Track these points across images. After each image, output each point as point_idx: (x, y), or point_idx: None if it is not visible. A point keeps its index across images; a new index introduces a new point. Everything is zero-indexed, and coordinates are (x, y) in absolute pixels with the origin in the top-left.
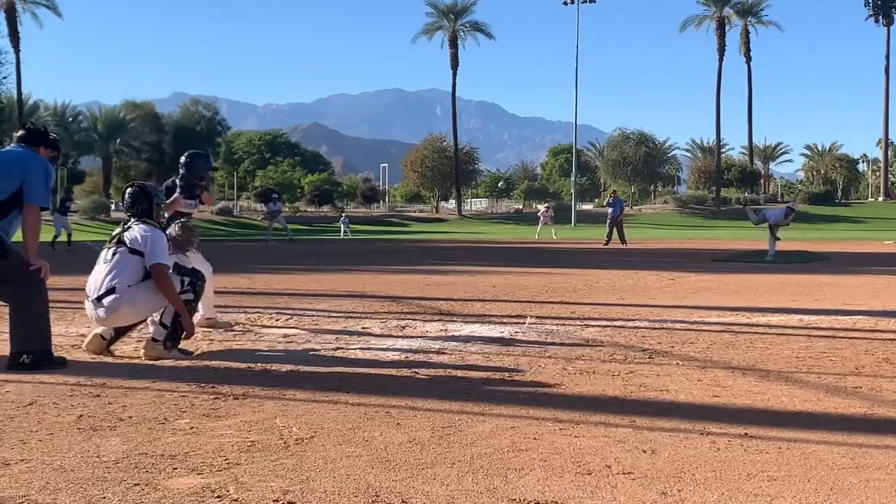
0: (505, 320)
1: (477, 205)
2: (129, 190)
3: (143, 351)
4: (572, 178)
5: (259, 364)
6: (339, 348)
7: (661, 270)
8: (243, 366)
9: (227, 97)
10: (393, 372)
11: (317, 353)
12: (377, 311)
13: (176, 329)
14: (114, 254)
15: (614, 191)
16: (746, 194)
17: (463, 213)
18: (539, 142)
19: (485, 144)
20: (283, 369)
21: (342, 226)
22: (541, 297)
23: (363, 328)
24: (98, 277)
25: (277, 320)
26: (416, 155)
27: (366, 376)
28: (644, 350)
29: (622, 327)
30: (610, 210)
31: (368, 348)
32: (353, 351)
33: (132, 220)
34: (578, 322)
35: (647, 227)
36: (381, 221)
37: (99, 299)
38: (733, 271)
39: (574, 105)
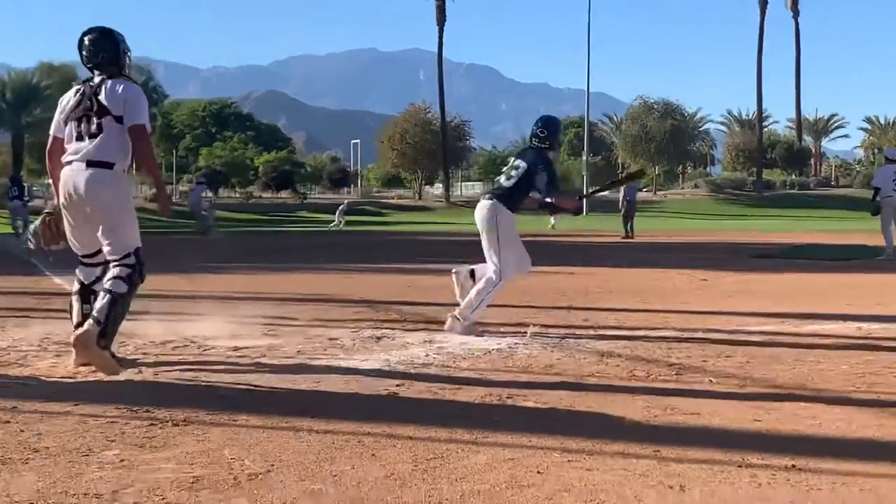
0: (503, 330)
1: (469, 190)
2: (87, 37)
3: (76, 336)
4: (584, 158)
5: (204, 382)
6: (301, 364)
7: (692, 269)
8: (184, 385)
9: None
10: (367, 392)
11: (274, 369)
12: (348, 319)
13: (111, 328)
14: (98, 124)
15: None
16: (794, 176)
17: (452, 201)
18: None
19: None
20: (234, 389)
21: (338, 215)
22: (546, 302)
23: (331, 339)
24: (79, 150)
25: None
26: (395, 129)
27: (334, 397)
28: (671, 365)
29: (644, 338)
30: (624, 193)
31: (338, 364)
32: (319, 367)
33: (96, 75)
34: (591, 331)
35: (674, 215)
36: (352, 210)
37: (91, 164)
38: (778, 270)
39: (586, 69)
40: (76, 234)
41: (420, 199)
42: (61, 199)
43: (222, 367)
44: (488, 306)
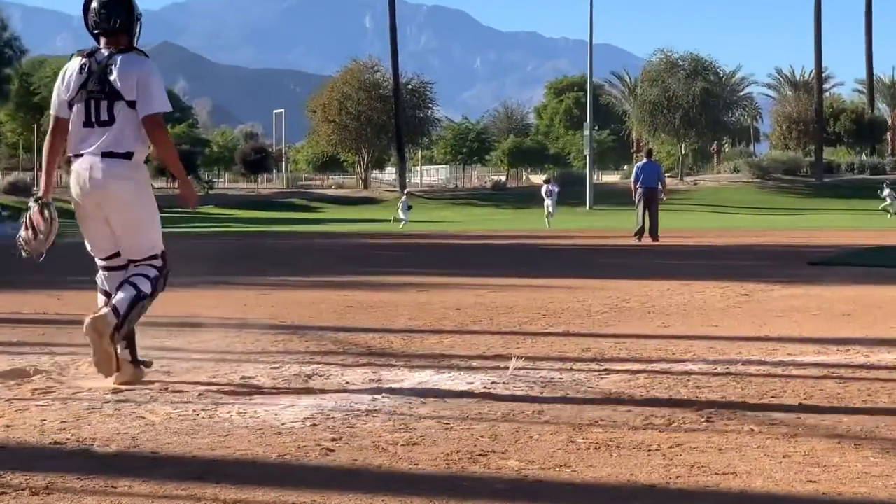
0: (475, 364)
1: (432, 175)
2: (95, 1)
3: (89, 322)
4: (586, 133)
5: (74, 437)
6: (203, 411)
7: (728, 280)
8: (47, 441)
9: (22, 2)
10: (292, 450)
11: (168, 419)
12: (266, 351)
13: (126, 325)
14: (109, 109)
15: (650, 149)
16: (864, 156)
17: (408, 190)
18: (532, 72)
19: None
20: (113, 447)
21: (401, 208)
22: (534, 326)
23: (243, 378)
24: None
25: None
26: (332, 94)
27: (247, 457)
28: (699, 409)
29: (665, 373)
30: (640, 179)
31: (253, 411)
32: (227, 416)
33: (103, 45)
34: (594, 365)
35: (706, 209)
36: (274, 203)
37: (106, 156)
38: (842, 281)
39: (588, 14)
40: (94, 236)
41: (366, 188)
42: (73, 196)
43: (98, 414)
44: (454, 334)
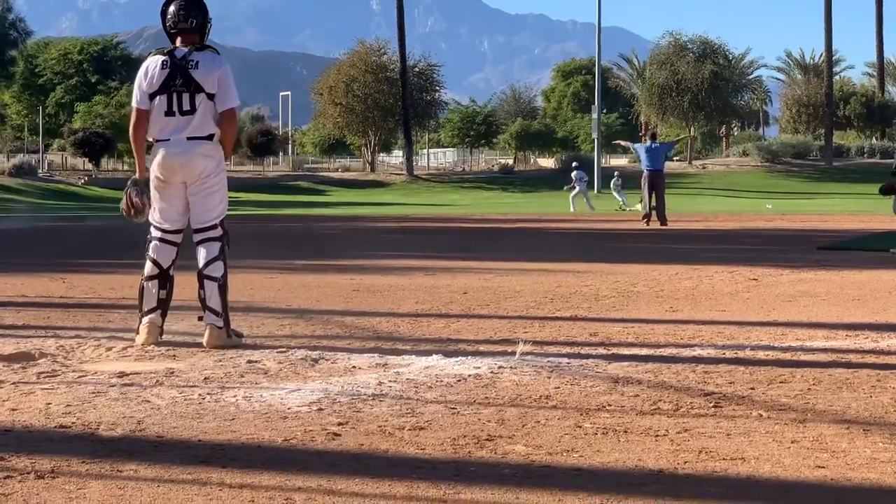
0: (482, 348)
1: (439, 158)
2: (176, 1)
3: (208, 340)
4: (594, 116)
5: (79, 421)
6: (209, 395)
7: (737, 265)
8: (53, 424)
9: None
10: (298, 434)
11: (174, 402)
12: (273, 335)
13: (227, 314)
14: (191, 101)
15: (654, 132)
16: (874, 140)
17: (415, 174)
18: (540, 55)
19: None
20: (118, 430)
21: (577, 184)
22: (542, 310)
23: (250, 362)
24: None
25: (110, 350)
26: (339, 76)
27: (253, 441)
28: (707, 394)
29: (672, 358)
30: (645, 160)
31: (259, 395)
32: (233, 400)
33: (179, 42)
34: (602, 350)
35: (715, 193)
36: (280, 187)
37: (191, 139)
38: (851, 265)
39: None
40: (170, 207)
41: (372, 171)
42: (156, 177)
43: (104, 398)
44: (461, 318)
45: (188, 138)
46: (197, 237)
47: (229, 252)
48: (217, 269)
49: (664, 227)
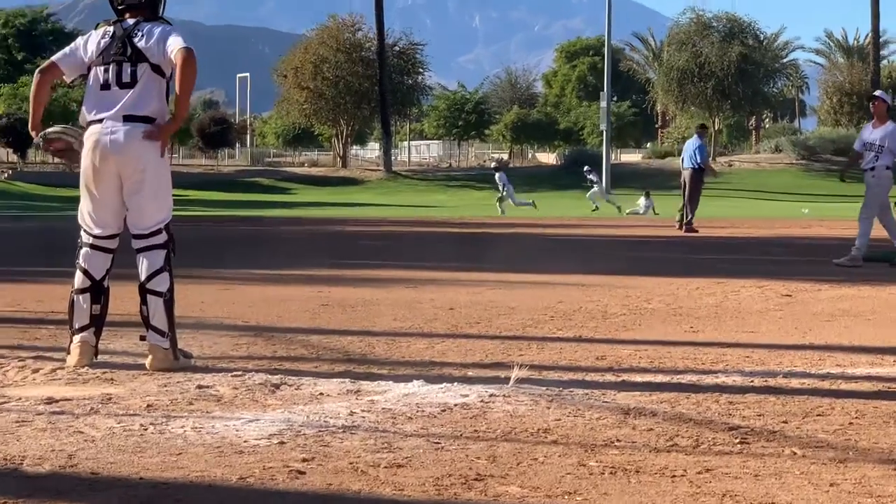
0: (471, 373)
1: (422, 152)
2: None
3: (152, 363)
4: (603, 105)
5: (0, 455)
6: (152, 425)
7: (768, 279)
8: None
9: None
10: (256, 471)
11: (110, 434)
12: (227, 356)
13: (174, 332)
14: (132, 72)
15: (702, 125)
16: None
17: (395, 169)
18: (540, 33)
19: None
20: (46, 466)
21: (501, 185)
22: (540, 330)
23: (200, 387)
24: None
25: (36, 372)
26: (306, 56)
27: (203, 480)
28: (732, 429)
29: (692, 386)
30: (687, 159)
31: (210, 426)
32: (180, 431)
33: (128, 18)
34: (611, 376)
35: (742, 194)
36: (237, 184)
37: (128, 120)
38: None
39: None
40: (101, 206)
41: (344, 166)
42: (86, 167)
43: (29, 428)
44: (446, 338)
45: (125, 118)
46: (137, 244)
47: (175, 261)
48: (162, 283)
49: (684, 234)
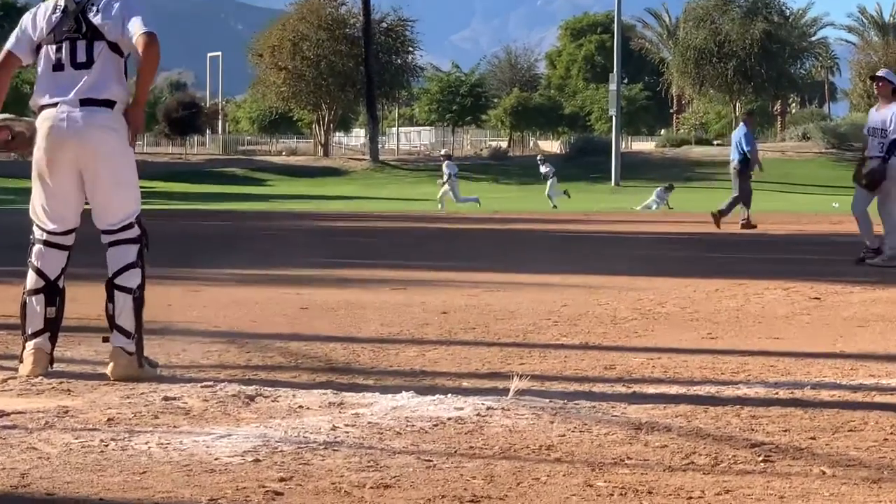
0: (466, 384)
1: (413, 140)
2: None
3: (114, 370)
4: (612, 87)
5: None
6: (113, 441)
7: (794, 279)
8: None
9: None
10: (228, 492)
11: (67, 450)
12: (196, 364)
13: (141, 336)
14: (88, 50)
15: (750, 111)
16: None
17: (382, 159)
18: (543, 7)
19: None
20: None
21: (447, 174)
22: (543, 336)
23: (166, 399)
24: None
25: None
26: (284, 33)
27: (170, 501)
28: (755, 445)
29: (711, 399)
30: (734, 149)
31: (178, 442)
32: (144, 447)
33: None
34: (621, 387)
35: (766, 186)
36: (207, 174)
37: (86, 104)
38: None
39: None
40: (57, 199)
41: (326, 155)
42: (39, 158)
43: None
44: (439, 344)
45: (82, 102)
46: (107, 239)
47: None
48: (132, 279)
49: (752, 230)
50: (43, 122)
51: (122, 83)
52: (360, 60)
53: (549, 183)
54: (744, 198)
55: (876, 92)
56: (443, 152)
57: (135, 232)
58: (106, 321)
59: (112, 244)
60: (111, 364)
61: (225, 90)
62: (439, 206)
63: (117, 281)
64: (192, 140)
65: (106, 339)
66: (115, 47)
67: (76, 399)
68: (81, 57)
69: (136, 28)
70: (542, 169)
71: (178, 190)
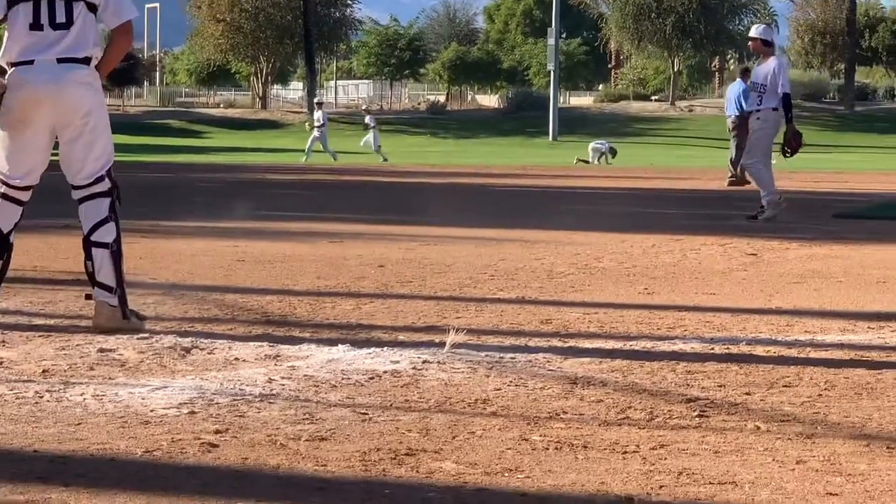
0: (402, 337)
1: (351, 93)
2: None
3: (97, 321)
4: (550, 42)
5: None
6: (48, 392)
7: (731, 235)
8: None
9: None
10: (164, 444)
11: (1, 402)
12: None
13: (123, 289)
14: (68, 11)
15: (746, 68)
16: None
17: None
18: None
19: None
20: None
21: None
22: (479, 290)
23: (102, 351)
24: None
25: None
26: None
27: (105, 453)
28: (690, 400)
29: (646, 354)
30: (732, 105)
31: (114, 393)
32: (80, 399)
33: None
34: (557, 342)
35: (704, 143)
36: (144, 126)
37: (63, 62)
38: (876, 239)
39: None
40: (26, 157)
41: (264, 108)
42: (12, 106)
43: None
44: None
45: (59, 60)
46: (78, 195)
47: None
48: (108, 234)
49: (737, 189)
50: (18, 80)
51: (98, 42)
52: (298, 13)
53: (370, 133)
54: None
55: (752, 50)
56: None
57: (106, 185)
58: (87, 278)
59: (84, 199)
60: (95, 314)
61: (163, 42)
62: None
63: (93, 238)
64: (129, 92)
65: (89, 297)
66: (91, 7)
67: (10, 350)
68: (61, 17)
69: (116, 14)
70: (367, 119)
71: (115, 141)
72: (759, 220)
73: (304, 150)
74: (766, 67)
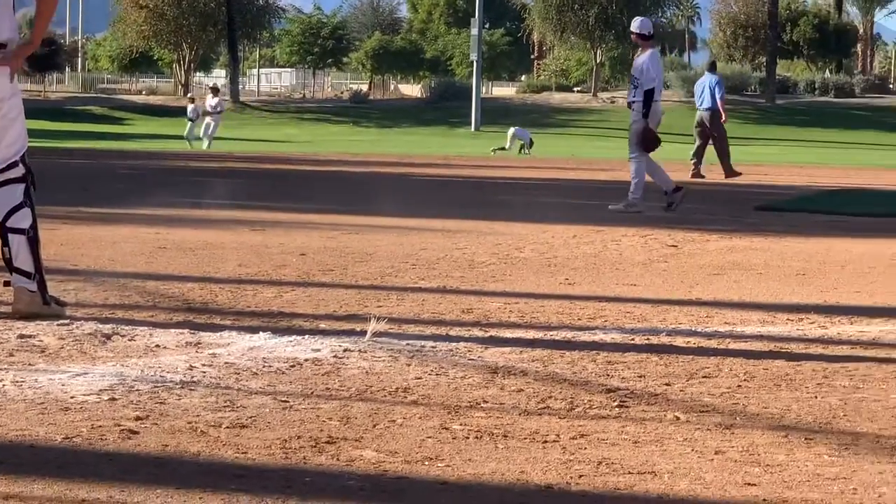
0: (323, 325)
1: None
2: None
3: (16, 307)
4: (473, 32)
5: None
6: None
7: (651, 227)
8: None
9: None
10: (84, 430)
11: None
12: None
13: (42, 274)
14: None
15: (712, 61)
16: (828, 74)
17: (242, 99)
18: None
19: None
20: None
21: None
22: (400, 279)
23: (21, 337)
24: None
25: None
26: None
27: (24, 439)
28: (610, 391)
29: (567, 344)
30: (707, 98)
31: (33, 380)
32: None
33: None
34: (477, 331)
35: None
36: (66, 112)
37: None
38: (796, 231)
39: None
40: None
41: (186, 95)
42: None
43: None
44: (296, 286)
45: None
46: None
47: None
48: (23, 219)
49: (731, 179)
50: None
51: (13, 23)
52: (222, 0)
53: (189, 126)
54: (724, 144)
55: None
56: (211, 85)
57: (20, 171)
58: (4, 264)
59: None
60: (14, 300)
61: (85, 28)
62: (207, 144)
63: (9, 224)
64: (50, 78)
65: (7, 283)
66: None
67: None
68: None
69: None
70: (189, 108)
71: (36, 128)
72: (609, 208)
73: (196, 138)
74: (640, 60)
